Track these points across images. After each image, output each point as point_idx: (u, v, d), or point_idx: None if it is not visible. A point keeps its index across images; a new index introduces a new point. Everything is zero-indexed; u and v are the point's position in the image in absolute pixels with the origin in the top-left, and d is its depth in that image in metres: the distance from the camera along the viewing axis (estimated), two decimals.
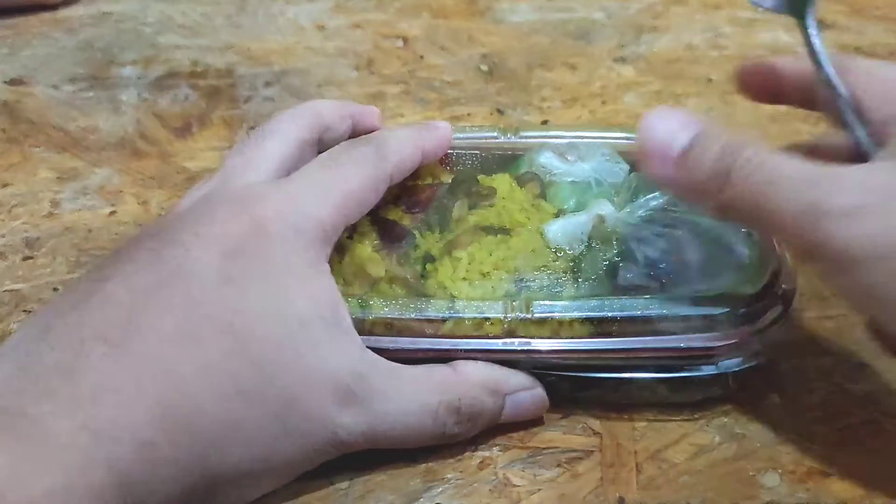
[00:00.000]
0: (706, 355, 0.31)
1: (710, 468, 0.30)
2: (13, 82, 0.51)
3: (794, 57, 0.34)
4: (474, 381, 0.30)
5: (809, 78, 0.34)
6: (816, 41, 0.32)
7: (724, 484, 0.30)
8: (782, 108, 0.53)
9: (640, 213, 0.33)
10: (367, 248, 0.33)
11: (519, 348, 0.31)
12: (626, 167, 0.38)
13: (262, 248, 0.28)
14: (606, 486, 0.30)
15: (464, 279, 0.32)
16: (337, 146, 0.33)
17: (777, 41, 0.57)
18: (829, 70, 0.32)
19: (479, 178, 0.37)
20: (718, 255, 0.32)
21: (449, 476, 0.30)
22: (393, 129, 0.35)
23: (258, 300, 0.27)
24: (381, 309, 0.31)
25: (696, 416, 0.32)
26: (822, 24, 0.57)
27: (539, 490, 0.29)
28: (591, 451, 0.31)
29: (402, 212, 0.35)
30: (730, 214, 0.29)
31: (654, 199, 0.34)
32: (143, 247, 0.28)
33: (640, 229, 0.33)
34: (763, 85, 0.36)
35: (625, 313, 0.31)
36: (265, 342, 0.26)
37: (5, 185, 0.44)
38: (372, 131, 0.36)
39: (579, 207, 0.36)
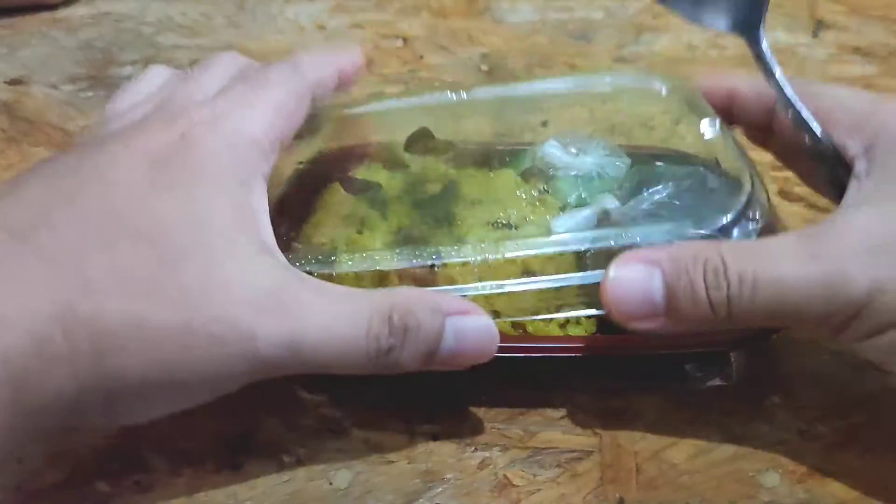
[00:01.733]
0: None
1: (710, 468, 0.30)
2: (12, 82, 0.51)
3: (755, 77, 0.33)
4: (411, 295, 0.28)
5: (766, 102, 0.33)
6: (772, 61, 0.32)
7: (723, 484, 0.29)
8: None
9: (644, 206, 0.33)
10: (376, 244, 0.33)
11: (494, 291, 0.31)
12: (628, 161, 0.38)
13: (192, 160, 0.27)
14: (606, 487, 0.30)
15: (472, 273, 0.32)
16: (252, 68, 0.33)
17: (777, 41, 0.57)
18: (789, 92, 0.31)
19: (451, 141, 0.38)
20: None
21: (449, 476, 0.30)
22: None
23: (180, 210, 0.26)
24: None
25: (695, 415, 0.32)
26: (822, 24, 0.57)
27: (539, 490, 0.29)
28: (591, 451, 0.31)
29: (410, 208, 0.35)
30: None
31: (658, 193, 0.34)
32: (70, 154, 0.28)
33: (644, 223, 0.33)
34: (719, 104, 0.35)
35: (598, 245, 0.31)
36: (182, 249, 0.25)
37: None
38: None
39: (583, 201, 0.36)
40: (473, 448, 0.31)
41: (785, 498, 0.29)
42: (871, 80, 0.52)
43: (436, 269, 0.33)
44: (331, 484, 0.30)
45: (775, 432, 0.31)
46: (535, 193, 0.37)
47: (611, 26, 0.59)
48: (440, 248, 0.33)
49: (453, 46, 0.58)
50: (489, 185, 0.37)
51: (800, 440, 0.31)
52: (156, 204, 0.26)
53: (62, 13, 0.57)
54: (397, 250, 0.33)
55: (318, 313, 0.26)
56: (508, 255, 0.33)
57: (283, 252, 0.29)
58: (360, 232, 0.34)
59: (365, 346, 0.26)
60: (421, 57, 0.57)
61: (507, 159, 0.40)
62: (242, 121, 0.29)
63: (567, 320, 0.33)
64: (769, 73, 0.32)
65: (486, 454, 0.31)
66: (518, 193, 0.37)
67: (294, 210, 0.38)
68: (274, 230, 0.29)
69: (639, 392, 0.33)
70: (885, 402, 0.32)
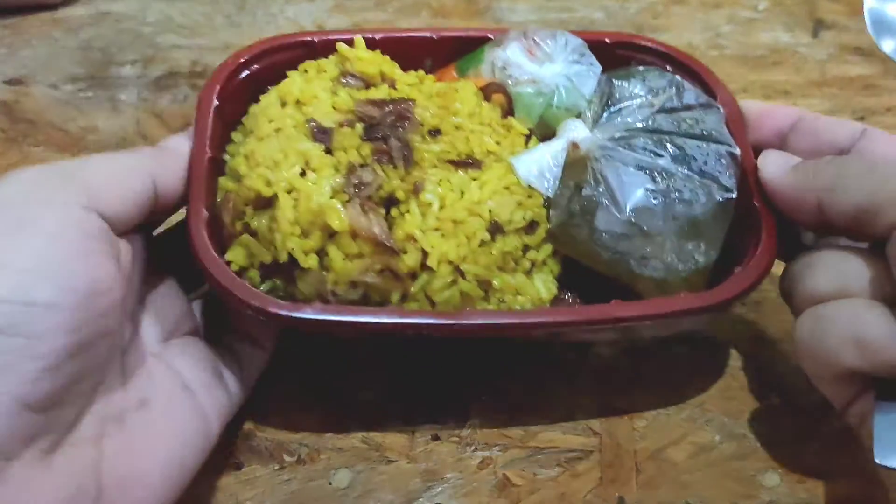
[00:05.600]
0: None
1: (710, 468, 0.30)
2: (12, 82, 0.51)
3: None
4: None
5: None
6: None
7: (723, 484, 0.29)
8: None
9: (616, 133, 0.30)
10: (323, 192, 0.28)
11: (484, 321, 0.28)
12: (598, 67, 0.33)
13: None
14: (606, 486, 0.30)
15: (436, 229, 0.28)
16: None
17: (777, 41, 0.57)
18: None
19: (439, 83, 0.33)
20: (701, 188, 0.29)
21: (449, 476, 0.30)
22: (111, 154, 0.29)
23: None
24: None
25: (695, 415, 0.32)
26: (822, 24, 0.57)
27: (539, 490, 0.29)
28: (591, 451, 0.31)
29: (360, 139, 0.29)
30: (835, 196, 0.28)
31: (629, 110, 0.31)
32: None
33: (618, 155, 0.30)
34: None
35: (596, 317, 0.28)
36: None
37: None
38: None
39: (549, 122, 0.33)
40: (473, 448, 0.31)
41: (785, 498, 0.29)
42: (870, 80, 0.52)
43: (393, 221, 0.28)
44: (331, 484, 0.30)
45: (775, 432, 0.31)
46: (497, 116, 0.32)
47: (611, 26, 0.59)
48: (397, 195, 0.28)
49: None
50: (448, 106, 0.32)
51: (800, 440, 0.31)
52: None
53: (62, 13, 0.57)
54: (348, 201, 0.27)
55: None
56: (473, 204, 0.29)
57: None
58: (303, 174, 0.28)
59: None
60: None
61: (461, 53, 0.35)
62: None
63: (532, 264, 0.30)
64: None
65: (486, 454, 0.31)
66: (480, 116, 0.32)
67: (221, 126, 0.31)
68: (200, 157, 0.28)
69: (639, 392, 0.33)
70: None
